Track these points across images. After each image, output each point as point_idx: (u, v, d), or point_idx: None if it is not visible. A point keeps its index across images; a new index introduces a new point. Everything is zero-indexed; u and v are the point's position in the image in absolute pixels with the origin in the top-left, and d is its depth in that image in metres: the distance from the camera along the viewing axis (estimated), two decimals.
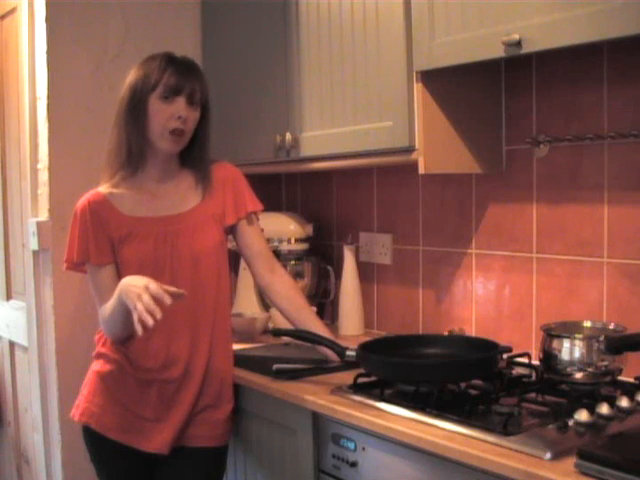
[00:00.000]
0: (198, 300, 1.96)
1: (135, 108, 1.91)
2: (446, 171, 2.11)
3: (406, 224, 2.49)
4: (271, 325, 2.50)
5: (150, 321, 1.69)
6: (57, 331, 2.54)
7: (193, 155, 2.01)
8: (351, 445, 1.75)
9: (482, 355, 1.80)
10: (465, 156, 2.06)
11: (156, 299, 1.71)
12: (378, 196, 2.60)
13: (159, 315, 1.69)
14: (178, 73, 1.91)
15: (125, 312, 1.79)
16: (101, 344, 2.02)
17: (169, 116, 1.90)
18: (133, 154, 1.95)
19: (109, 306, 1.89)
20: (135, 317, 1.71)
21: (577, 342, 1.68)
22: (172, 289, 1.76)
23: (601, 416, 1.49)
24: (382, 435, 1.64)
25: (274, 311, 2.29)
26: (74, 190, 2.10)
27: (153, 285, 1.73)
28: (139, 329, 1.70)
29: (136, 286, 1.75)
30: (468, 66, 1.84)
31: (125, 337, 1.95)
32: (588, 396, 1.64)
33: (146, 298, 1.71)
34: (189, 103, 1.92)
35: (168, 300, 1.71)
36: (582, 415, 1.47)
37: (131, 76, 1.94)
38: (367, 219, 2.65)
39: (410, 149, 1.98)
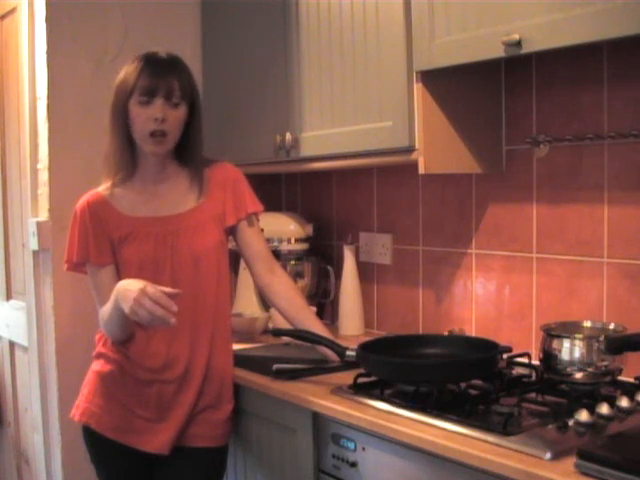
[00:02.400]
0: (198, 300, 1.97)
1: (119, 115, 1.92)
2: (446, 171, 2.11)
3: (406, 224, 2.49)
4: (271, 325, 2.50)
5: (172, 319, 1.69)
6: (57, 331, 2.54)
7: (187, 153, 2.01)
8: (351, 445, 1.75)
9: (482, 355, 1.80)
10: (465, 156, 2.06)
11: (158, 302, 1.71)
12: (378, 196, 2.60)
13: (175, 308, 1.69)
14: (152, 74, 1.89)
15: (122, 315, 1.80)
16: (101, 344, 2.02)
17: (147, 119, 1.89)
18: (124, 160, 1.96)
19: (107, 309, 1.89)
20: (141, 318, 1.72)
21: (577, 342, 1.68)
22: (168, 290, 1.76)
23: (601, 416, 1.49)
24: (382, 435, 1.64)
25: (274, 311, 2.29)
26: (74, 190, 2.10)
27: (150, 288, 1.73)
28: (173, 323, 1.70)
29: (131, 290, 1.74)
30: (468, 66, 1.84)
31: (125, 338, 1.95)
32: (588, 396, 1.64)
33: (149, 304, 1.70)
34: (168, 103, 1.90)
35: (169, 303, 1.70)
36: (582, 415, 1.47)
37: (117, 79, 1.95)
38: (367, 219, 2.65)
39: (410, 149, 1.98)
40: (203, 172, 2.03)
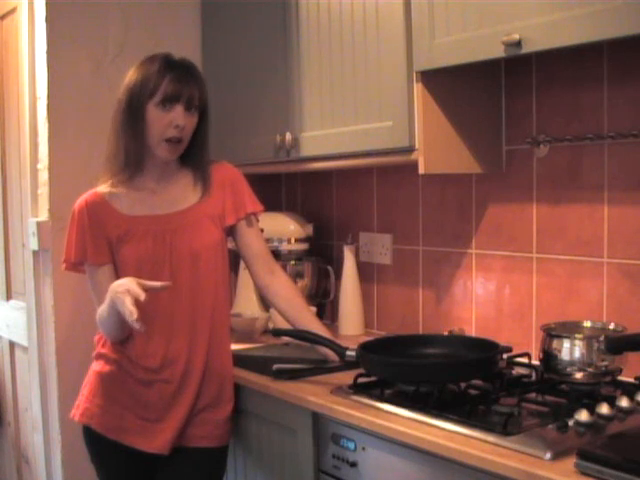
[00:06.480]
0: (197, 299, 1.97)
1: (133, 114, 1.90)
2: (446, 171, 2.11)
3: (406, 224, 2.49)
4: (271, 325, 2.50)
5: (136, 326, 1.71)
6: (57, 331, 2.54)
7: (192, 156, 2.01)
8: (351, 445, 1.75)
9: (482, 355, 1.80)
10: (465, 156, 2.06)
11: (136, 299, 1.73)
12: (378, 196, 2.60)
13: (135, 316, 1.71)
14: (176, 80, 1.89)
15: (118, 314, 1.80)
16: (101, 345, 2.02)
17: (167, 124, 1.89)
18: (131, 160, 1.94)
19: (103, 309, 1.89)
20: (129, 323, 1.74)
21: (577, 342, 1.68)
22: (153, 284, 1.78)
23: (601, 416, 1.49)
24: (382, 435, 1.64)
25: (274, 311, 2.29)
26: (74, 190, 2.10)
27: (133, 286, 1.75)
28: (140, 329, 1.73)
29: (120, 292, 1.77)
30: (468, 66, 1.84)
31: (123, 338, 1.95)
32: (588, 396, 1.64)
33: (128, 301, 1.73)
34: (187, 110, 1.91)
35: (142, 297, 1.73)
36: (582, 415, 1.47)
37: (129, 78, 1.93)
38: (367, 219, 2.65)
39: (410, 149, 1.98)
40: (210, 173, 2.03)
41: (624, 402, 1.55)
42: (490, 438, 1.45)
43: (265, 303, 2.56)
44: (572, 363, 1.68)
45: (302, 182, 2.96)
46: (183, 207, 2.00)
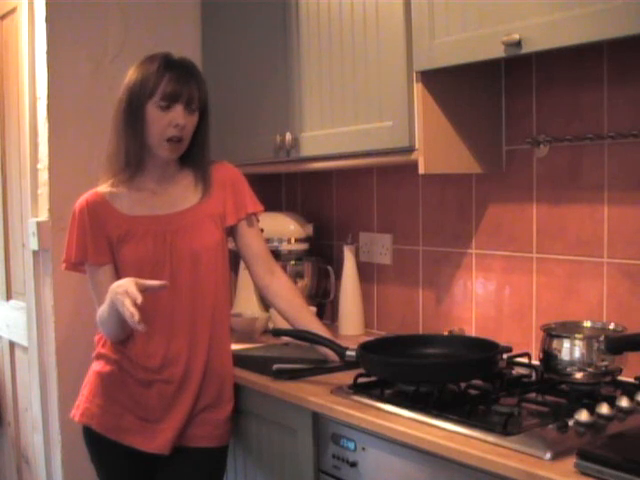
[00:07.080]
0: (197, 299, 1.97)
1: (132, 114, 1.91)
2: (446, 171, 2.11)
3: (406, 224, 2.49)
4: (271, 325, 2.50)
5: (138, 327, 1.71)
6: (57, 331, 2.54)
7: (193, 156, 2.01)
8: (351, 445, 1.75)
9: (482, 355, 1.80)
10: (465, 156, 2.06)
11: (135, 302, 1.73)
12: (378, 196, 2.60)
13: (136, 317, 1.70)
14: (176, 79, 1.89)
15: (119, 315, 1.80)
16: (101, 345, 2.02)
17: (166, 124, 1.90)
18: (132, 160, 1.95)
19: (104, 309, 1.89)
20: (130, 325, 1.74)
21: (577, 342, 1.68)
22: (152, 283, 1.78)
23: (601, 416, 1.49)
24: (382, 435, 1.64)
25: (274, 311, 2.29)
26: (74, 190, 2.10)
27: (132, 288, 1.74)
28: (142, 330, 1.72)
29: (119, 293, 1.76)
30: (468, 66, 1.84)
31: (123, 338, 1.95)
32: (588, 396, 1.64)
33: (127, 303, 1.72)
34: (187, 109, 1.91)
35: (139, 299, 1.72)
36: (582, 415, 1.47)
37: (129, 78, 1.93)
38: (367, 219, 2.65)
39: (410, 149, 1.98)
40: (210, 173, 2.03)
41: (624, 402, 1.55)
42: (490, 438, 1.45)
43: (265, 303, 2.56)
44: (572, 363, 1.68)
45: (302, 182, 2.96)
46: (183, 207, 2.00)
